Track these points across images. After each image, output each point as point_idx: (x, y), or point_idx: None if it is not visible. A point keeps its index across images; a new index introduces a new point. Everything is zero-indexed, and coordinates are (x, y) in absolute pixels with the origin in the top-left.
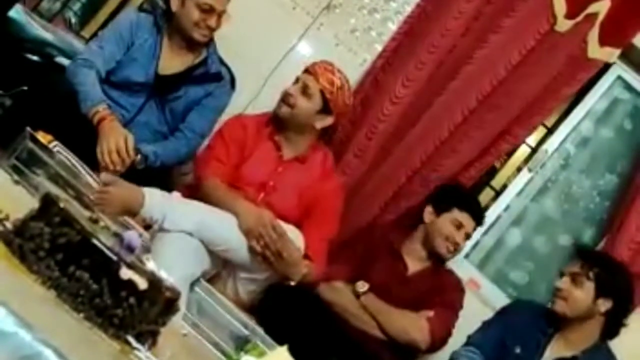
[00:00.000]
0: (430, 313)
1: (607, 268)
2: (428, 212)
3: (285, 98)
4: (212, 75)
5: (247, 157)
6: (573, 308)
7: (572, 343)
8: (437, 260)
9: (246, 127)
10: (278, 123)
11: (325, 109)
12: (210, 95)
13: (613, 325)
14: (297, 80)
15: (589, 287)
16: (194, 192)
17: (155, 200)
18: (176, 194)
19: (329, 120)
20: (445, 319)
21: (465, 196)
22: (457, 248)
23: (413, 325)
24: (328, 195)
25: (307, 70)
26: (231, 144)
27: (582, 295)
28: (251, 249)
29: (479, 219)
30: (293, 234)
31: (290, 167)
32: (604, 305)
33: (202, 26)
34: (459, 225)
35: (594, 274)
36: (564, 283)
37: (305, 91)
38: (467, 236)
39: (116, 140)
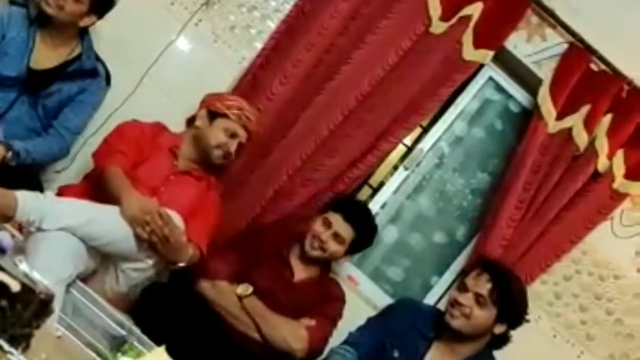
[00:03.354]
0: (312, 322)
1: (511, 295)
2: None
3: (226, 154)
4: (87, 71)
5: (144, 161)
6: (471, 326)
7: (456, 353)
8: (323, 268)
9: (144, 131)
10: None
11: None
12: (85, 92)
13: (501, 341)
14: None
15: (492, 311)
16: (81, 190)
17: (30, 202)
18: (49, 194)
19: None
20: (324, 329)
21: (345, 201)
22: (323, 246)
23: (292, 334)
24: (210, 201)
25: (244, 126)
26: (131, 143)
27: (484, 316)
28: (137, 237)
29: (355, 223)
30: (175, 219)
31: (181, 177)
32: (499, 328)
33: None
34: (328, 224)
35: (499, 300)
36: (467, 299)
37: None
38: (337, 236)
39: None
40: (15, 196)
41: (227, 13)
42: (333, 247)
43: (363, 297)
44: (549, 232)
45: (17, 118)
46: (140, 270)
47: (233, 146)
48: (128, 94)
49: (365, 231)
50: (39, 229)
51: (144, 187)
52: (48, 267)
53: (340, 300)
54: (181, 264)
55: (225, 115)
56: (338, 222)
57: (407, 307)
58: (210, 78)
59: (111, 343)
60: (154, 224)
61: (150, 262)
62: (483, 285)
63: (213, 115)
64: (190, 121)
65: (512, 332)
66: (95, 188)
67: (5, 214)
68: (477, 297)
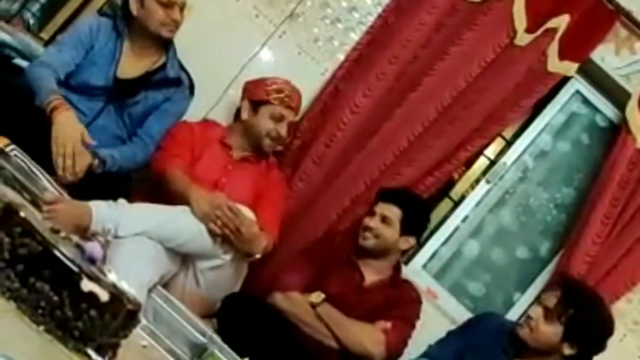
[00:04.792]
0: (388, 325)
1: (583, 314)
2: None
3: (277, 138)
4: (171, 80)
5: (198, 158)
6: (536, 340)
7: None
8: (394, 270)
9: (194, 130)
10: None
11: None
12: (169, 101)
13: None
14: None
15: (557, 328)
16: (149, 197)
17: (103, 211)
18: (122, 201)
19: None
20: (401, 331)
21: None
22: (374, 232)
23: (369, 337)
24: (274, 183)
25: (289, 107)
26: (185, 144)
27: (549, 332)
28: (211, 232)
29: (396, 201)
30: (245, 211)
31: (239, 165)
32: (568, 349)
33: (168, 22)
34: (372, 213)
35: (566, 317)
36: (535, 313)
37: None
38: (384, 219)
39: (73, 143)
40: (89, 206)
41: (311, 25)
42: (383, 230)
43: (442, 310)
44: (635, 250)
45: (104, 126)
46: (217, 268)
47: (283, 129)
48: (212, 105)
49: (409, 205)
50: (116, 237)
51: (205, 183)
52: (127, 273)
53: (415, 301)
54: (257, 255)
55: (267, 102)
56: (380, 206)
57: (489, 322)
58: None
59: (192, 350)
60: (225, 218)
61: (227, 257)
62: (552, 299)
63: (256, 104)
64: (238, 114)
65: None
66: (160, 194)
67: (80, 224)
68: (545, 310)
